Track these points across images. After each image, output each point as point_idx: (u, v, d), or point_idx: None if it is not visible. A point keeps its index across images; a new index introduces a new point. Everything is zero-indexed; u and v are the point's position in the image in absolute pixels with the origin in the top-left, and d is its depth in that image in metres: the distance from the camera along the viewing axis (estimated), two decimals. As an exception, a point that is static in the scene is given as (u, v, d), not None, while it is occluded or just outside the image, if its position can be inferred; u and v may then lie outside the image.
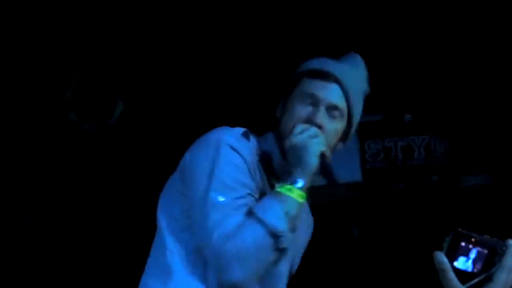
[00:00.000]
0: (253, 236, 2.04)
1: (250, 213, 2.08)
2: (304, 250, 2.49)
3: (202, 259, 2.16)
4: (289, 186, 2.11)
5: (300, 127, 2.19)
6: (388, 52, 4.55)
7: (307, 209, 2.42)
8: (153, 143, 4.60)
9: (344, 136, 2.33)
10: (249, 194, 2.14)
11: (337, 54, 2.42)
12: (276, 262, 2.15)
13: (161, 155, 4.03)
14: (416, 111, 4.74)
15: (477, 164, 4.57)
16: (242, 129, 2.26)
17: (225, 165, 2.13)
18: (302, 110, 2.22)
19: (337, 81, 2.27)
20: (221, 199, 2.09)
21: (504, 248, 1.40)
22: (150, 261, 2.29)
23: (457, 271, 1.39)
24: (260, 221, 2.05)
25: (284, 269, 2.35)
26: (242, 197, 2.12)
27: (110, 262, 4.73)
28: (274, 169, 2.27)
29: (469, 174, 4.62)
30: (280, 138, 2.25)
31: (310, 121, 2.20)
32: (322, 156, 2.16)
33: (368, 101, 4.84)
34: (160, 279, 2.20)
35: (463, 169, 4.63)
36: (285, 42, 4.44)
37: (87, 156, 4.90)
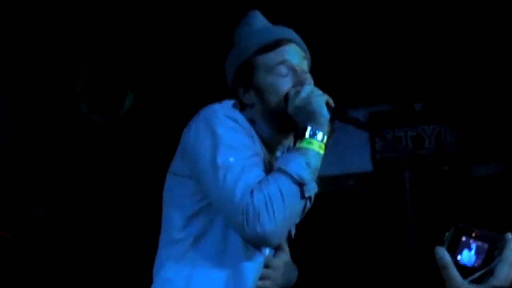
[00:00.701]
0: (279, 186, 2.04)
1: (266, 172, 2.10)
2: None
3: (216, 239, 2.17)
4: (308, 139, 2.12)
5: (293, 90, 2.22)
6: (398, 41, 4.54)
7: None
8: (163, 134, 4.61)
9: None
10: (256, 155, 2.16)
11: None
12: (303, 212, 2.14)
13: (171, 146, 4.04)
14: (426, 101, 4.73)
15: (488, 154, 4.56)
16: (232, 101, 2.29)
17: (226, 132, 2.14)
18: (284, 81, 2.26)
19: (290, 41, 2.32)
20: (232, 159, 2.09)
21: (504, 242, 1.41)
22: (161, 252, 2.29)
23: (458, 266, 1.40)
24: (283, 172, 2.06)
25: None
26: (250, 156, 2.13)
27: (123, 254, 4.75)
28: (263, 137, 2.28)
29: (480, 164, 4.61)
30: (266, 116, 2.27)
31: (299, 85, 2.24)
32: (328, 105, 2.18)
33: (378, 91, 4.85)
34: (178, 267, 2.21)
35: (474, 159, 4.62)
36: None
37: (97, 148, 4.92)
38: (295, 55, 2.30)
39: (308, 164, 2.09)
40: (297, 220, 2.19)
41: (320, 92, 2.21)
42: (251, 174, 2.08)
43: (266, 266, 2.29)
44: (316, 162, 2.12)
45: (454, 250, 1.42)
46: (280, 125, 2.28)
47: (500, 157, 4.54)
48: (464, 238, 1.42)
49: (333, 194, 4.48)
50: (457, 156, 4.68)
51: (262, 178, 2.07)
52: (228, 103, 2.28)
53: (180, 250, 2.20)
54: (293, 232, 2.43)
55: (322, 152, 2.14)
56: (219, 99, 2.33)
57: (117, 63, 4.96)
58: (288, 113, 2.21)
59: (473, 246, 1.42)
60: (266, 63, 2.28)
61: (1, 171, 4.80)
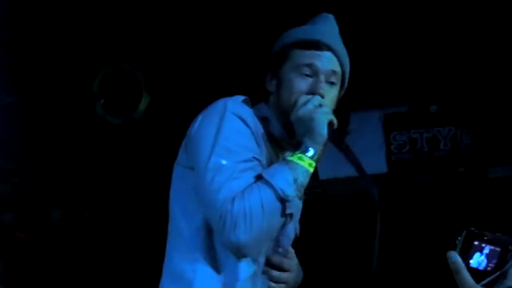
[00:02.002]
0: (261, 198, 2.02)
1: (258, 177, 2.08)
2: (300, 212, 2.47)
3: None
4: (299, 155, 2.10)
5: (303, 98, 2.19)
6: (414, 43, 4.53)
7: None
8: (179, 136, 4.61)
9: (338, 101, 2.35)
10: (254, 158, 2.14)
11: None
12: (281, 227, 2.14)
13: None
14: (442, 102, 4.72)
15: (503, 155, 4.55)
16: (243, 97, 2.29)
17: (228, 131, 2.13)
18: (302, 82, 2.23)
19: (329, 48, 2.29)
20: (224, 162, 2.08)
21: None
22: (169, 245, 2.30)
23: (471, 270, 1.40)
24: (269, 184, 2.04)
25: (290, 230, 2.36)
26: (246, 160, 2.12)
27: (138, 255, 4.76)
28: (274, 136, 2.28)
29: (496, 165, 4.59)
30: (279, 110, 2.27)
31: (312, 92, 2.21)
32: (330, 124, 2.16)
33: (394, 92, 4.84)
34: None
35: (490, 160, 4.60)
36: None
37: (113, 149, 4.93)
38: (326, 62, 2.27)
39: (295, 180, 2.07)
40: (275, 234, 2.18)
41: (327, 109, 2.18)
42: (238, 181, 2.06)
43: (281, 268, 2.29)
44: (303, 179, 2.10)
45: (467, 254, 1.42)
46: (286, 124, 2.26)
47: (516, 159, 4.53)
48: (476, 242, 1.42)
49: (348, 196, 4.47)
50: (472, 157, 4.67)
51: (247, 186, 2.05)
52: (239, 98, 2.28)
53: (185, 241, 2.21)
54: (298, 230, 2.43)
55: (311, 170, 2.12)
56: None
57: (133, 64, 4.97)
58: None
59: (486, 250, 1.42)
60: (295, 58, 2.27)
61: (16, 172, 4.82)
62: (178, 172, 2.29)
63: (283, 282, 2.29)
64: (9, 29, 4.69)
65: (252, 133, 2.18)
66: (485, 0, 4.36)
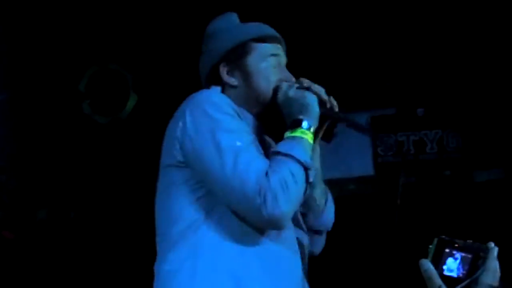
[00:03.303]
0: (290, 169, 2.08)
1: (274, 153, 2.14)
2: None
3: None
4: (301, 130, 2.18)
5: (284, 84, 2.31)
6: (401, 46, 4.55)
7: None
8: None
9: None
10: (254, 139, 2.20)
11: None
12: (306, 195, 2.18)
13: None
14: (429, 105, 4.73)
15: (489, 159, 4.56)
16: (218, 87, 2.36)
17: (223, 117, 2.17)
18: (276, 71, 2.35)
19: (280, 42, 2.44)
20: (238, 143, 2.11)
21: (487, 252, 1.43)
22: (160, 247, 2.28)
23: (443, 277, 1.42)
24: (291, 157, 2.10)
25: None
26: (253, 141, 2.18)
27: (125, 255, 4.75)
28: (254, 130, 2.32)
29: (482, 169, 4.61)
30: (248, 100, 2.33)
31: (287, 80, 2.34)
32: (321, 102, 2.27)
33: (381, 95, 4.84)
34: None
35: (476, 164, 4.62)
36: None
37: (100, 149, 4.92)
38: (282, 54, 2.41)
39: (306, 152, 2.15)
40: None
41: (316, 88, 2.29)
42: (260, 158, 2.12)
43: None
44: (310, 152, 2.18)
45: (438, 262, 1.44)
46: (258, 113, 2.33)
47: (502, 163, 4.55)
48: (447, 250, 1.44)
49: (335, 198, 4.47)
50: (459, 161, 4.68)
51: (271, 161, 2.10)
52: (217, 89, 2.34)
53: (180, 241, 2.19)
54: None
55: (312, 143, 2.20)
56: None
57: (120, 64, 4.97)
58: (276, 103, 2.28)
59: (457, 257, 1.44)
60: (263, 50, 2.36)
61: (3, 171, 4.81)
62: (165, 174, 2.28)
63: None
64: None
65: (240, 118, 2.23)
66: (471, 4, 4.38)
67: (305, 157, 2.12)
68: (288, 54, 2.46)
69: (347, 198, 4.55)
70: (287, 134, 2.19)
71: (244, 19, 2.48)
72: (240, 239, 2.16)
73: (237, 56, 2.35)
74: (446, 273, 1.43)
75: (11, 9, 4.74)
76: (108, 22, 4.82)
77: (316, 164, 2.33)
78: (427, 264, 1.43)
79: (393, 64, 4.60)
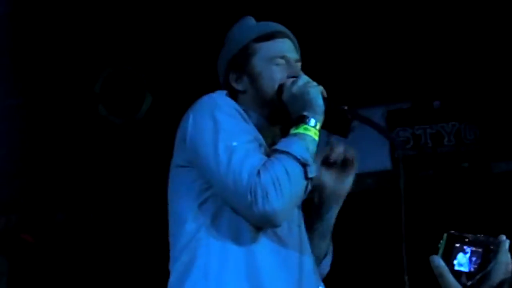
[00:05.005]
0: (284, 165, 2.08)
1: (273, 151, 2.15)
2: None
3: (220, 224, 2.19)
4: (304, 126, 2.18)
5: (289, 80, 2.29)
6: (417, 39, 4.53)
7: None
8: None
9: None
10: (255, 140, 2.20)
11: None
12: (306, 194, 2.18)
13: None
14: (445, 98, 4.71)
15: (507, 150, 4.54)
16: (224, 91, 2.36)
17: (224, 118, 2.19)
18: (281, 69, 2.33)
19: (287, 36, 2.41)
20: (235, 143, 2.13)
21: (497, 244, 1.42)
22: (173, 247, 2.30)
23: (454, 272, 1.41)
24: (287, 153, 2.11)
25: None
26: (251, 141, 2.18)
27: (142, 256, 4.76)
28: (264, 132, 2.32)
29: (500, 160, 4.59)
30: (257, 103, 2.33)
31: (293, 75, 2.31)
32: (323, 97, 2.25)
33: (397, 88, 4.82)
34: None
35: (494, 155, 4.60)
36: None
37: (116, 150, 4.93)
38: (290, 48, 2.38)
39: (307, 148, 2.14)
40: (300, 201, 2.23)
41: (315, 83, 2.27)
42: (255, 156, 2.12)
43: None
44: (313, 148, 2.17)
45: (449, 257, 1.43)
46: (270, 114, 2.33)
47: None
48: (457, 245, 1.44)
49: (352, 192, 4.46)
50: (476, 152, 4.66)
51: (266, 160, 2.11)
52: (223, 92, 2.35)
53: (192, 240, 2.21)
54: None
55: (317, 138, 2.19)
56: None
57: (135, 65, 4.98)
58: (283, 101, 2.27)
59: (468, 251, 1.43)
60: (264, 51, 2.35)
61: (20, 174, 4.83)
62: (176, 174, 2.32)
63: None
64: (11, 31, 4.69)
65: (244, 119, 2.25)
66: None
67: (303, 153, 2.12)
68: (302, 50, 2.45)
69: (364, 193, 4.54)
70: (291, 131, 2.21)
71: (256, 19, 2.48)
72: (248, 239, 2.18)
73: (242, 60, 2.37)
74: (457, 268, 1.42)
75: (26, 13, 4.75)
76: (123, 24, 4.83)
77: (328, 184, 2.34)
78: (437, 260, 1.43)
79: (408, 57, 4.58)
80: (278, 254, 2.22)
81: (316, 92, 2.23)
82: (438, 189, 4.62)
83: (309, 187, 2.16)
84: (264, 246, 2.19)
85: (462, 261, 1.43)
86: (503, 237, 1.44)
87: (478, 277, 1.41)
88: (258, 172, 2.06)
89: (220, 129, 2.16)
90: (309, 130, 2.17)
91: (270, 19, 2.47)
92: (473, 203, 4.44)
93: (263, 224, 2.14)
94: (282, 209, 2.08)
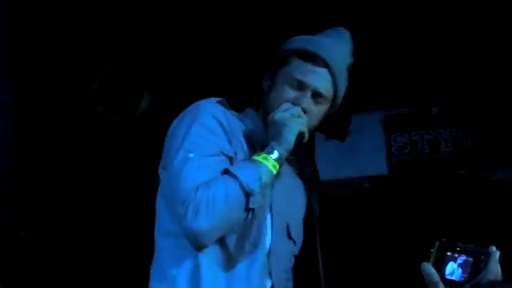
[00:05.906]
0: (226, 188, 2.10)
1: (224, 172, 2.15)
2: (302, 226, 2.53)
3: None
4: (265, 155, 2.19)
5: (285, 105, 2.29)
6: (415, 45, 4.53)
7: (298, 182, 2.49)
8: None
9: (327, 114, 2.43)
10: (222, 153, 2.21)
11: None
12: (243, 220, 2.18)
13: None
14: (443, 104, 4.72)
15: (504, 158, 4.54)
16: (218, 98, 2.37)
17: (198, 129, 2.21)
18: (289, 92, 2.32)
19: (326, 65, 2.36)
20: (191, 155, 2.16)
21: (488, 255, 1.42)
22: (158, 246, 2.36)
23: (445, 281, 1.41)
24: (235, 177, 2.12)
25: (286, 246, 2.40)
26: (213, 155, 2.19)
27: (137, 254, 4.75)
28: (256, 136, 2.34)
29: (497, 168, 4.59)
30: (264, 110, 2.36)
31: (296, 103, 2.31)
32: (301, 135, 2.25)
33: (395, 94, 4.83)
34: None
35: (491, 163, 4.60)
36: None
37: (113, 148, 4.93)
38: (317, 81, 2.34)
39: (259, 178, 2.14)
40: (235, 226, 2.21)
41: (303, 121, 2.26)
42: (203, 172, 2.13)
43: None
44: (266, 179, 2.17)
45: (440, 266, 1.44)
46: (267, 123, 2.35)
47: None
48: (449, 253, 1.44)
49: (349, 197, 4.46)
50: (473, 160, 4.67)
51: (213, 178, 2.12)
52: (213, 100, 2.36)
53: (177, 242, 2.24)
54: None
55: (274, 171, 2.19)
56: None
57: (134, 63, 4.97)
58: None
59: (459, 260, 1.43)
60: (291, 67, 2.35)
61: (16, 171, 4.82)
62: (162, 176, 2.36)
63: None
64: (9, 28, 4.69)
65: (225, 131, 2.25)
66: (486, 3, 4.35)
67: (251, 181, 2.12)
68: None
69: (361, 197, 4.54)
70: (253, 155, 2.22)
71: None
72: (239, 245, 2.23)
73: (274, 65, 2.40)
74: (447, 276, 1.43)
75: (24, 9, 4.75)
76: (122, 22, 4.83)
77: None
78: (428, 268, 1.43)
79: (407, 63, 4.58)
80: (224, 268, 2.23)
81: (293, 128, 2.22)
82: (434, 195, 4.62)
83: (250, 216, 2.17)
84: (210, 259, 2.20)
85: (452, 270, 1.43)
86: (493, 248, 1.45)
87: (467, 286, 1.41)
88: (197, 189, 2.08)
89: (187, 138, 2.19)
90: (268, 161, 2.17)
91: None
92: (469, 210, 4.44)
93: (190, 240, 2.14)
94: (207, 231, 2.09)
